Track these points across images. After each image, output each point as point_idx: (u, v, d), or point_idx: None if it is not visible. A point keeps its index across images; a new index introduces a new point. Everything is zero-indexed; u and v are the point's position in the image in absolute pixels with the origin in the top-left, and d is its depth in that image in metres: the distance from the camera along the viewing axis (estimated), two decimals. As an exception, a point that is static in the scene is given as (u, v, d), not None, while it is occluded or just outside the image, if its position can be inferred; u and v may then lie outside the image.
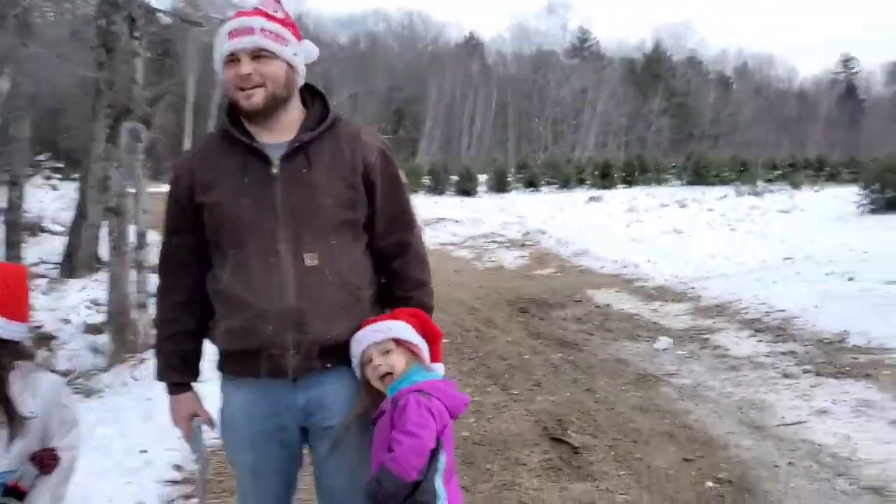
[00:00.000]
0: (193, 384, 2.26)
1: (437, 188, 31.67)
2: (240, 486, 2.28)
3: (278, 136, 2.08)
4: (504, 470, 4.00)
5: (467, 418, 4.69)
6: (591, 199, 25.57)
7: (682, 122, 71.11)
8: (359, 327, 2.10)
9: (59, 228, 16.22)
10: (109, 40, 8.43)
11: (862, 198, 18.26)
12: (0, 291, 2.03)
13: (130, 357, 7.39)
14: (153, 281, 9.52)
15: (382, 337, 2.06)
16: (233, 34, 2.03)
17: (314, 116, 2.14)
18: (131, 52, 8.54)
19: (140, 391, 5.18)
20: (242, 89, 2.02)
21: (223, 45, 2.04)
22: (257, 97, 2.02)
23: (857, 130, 72.25)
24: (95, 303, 10.91)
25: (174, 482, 3.81)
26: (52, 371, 6.46)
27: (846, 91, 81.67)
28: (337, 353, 2.10)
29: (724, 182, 31.92)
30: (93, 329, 9.55)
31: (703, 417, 4.78)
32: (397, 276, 2.23)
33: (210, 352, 2.22)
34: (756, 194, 24.45)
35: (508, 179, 33.13)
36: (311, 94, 2.18)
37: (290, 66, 2.07)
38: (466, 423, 4.64)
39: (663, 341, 6.89)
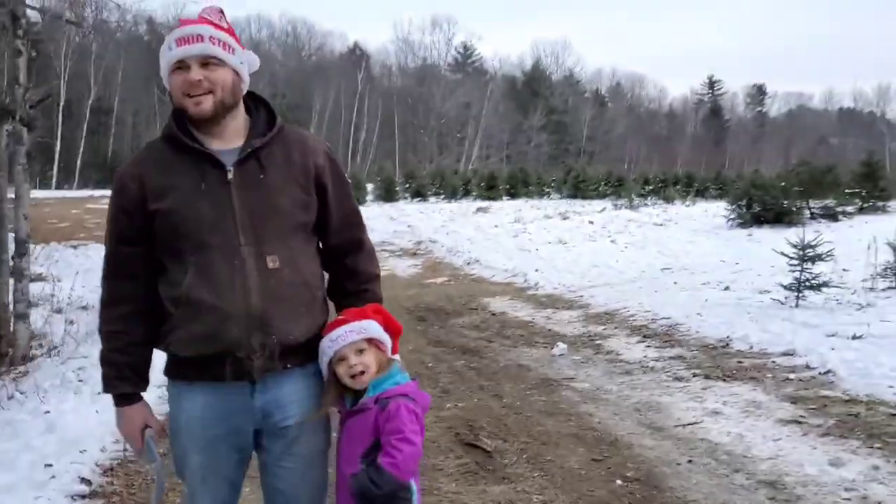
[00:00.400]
0: (143, 395, 2.23)
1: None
2: (187, 487, 2.26)
3: (227, 142, 2.11)
4: (422, 476, 4.01)
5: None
6: (479, 209, 25.99)
7: (560, 138, 73.60)
8: (318, 327, 2.16)
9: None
10: (-9, 40, 7.95)
11: (730, 212, 19.45)
12: None
13: (7, 370, 6.97)
14: (33, 290, 8.92)
15: (358, 337, 2.11)
16: (181, 41, 2.04)
17: (261, 123, 2.17)
18: (15, 51, 8.08)
19: (34, 404, 4.86)
20: (191, 96, 2.03)
21: (171, 52, 2.05)
22: (206, 104, 2.04)
23: (722, 149, 76.98)
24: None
25: (82, 496, 3.62)
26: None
27: (711, 111, 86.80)
28: (296, 354, 2.14)
29: (601, 196, 33.19)
30: (-41, 342, 8.89)
31: (606, 420, 4.98)
32: (350, 271, 2.29)
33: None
34: (632, 208, 25.58)
35: (396, 189, 33.20)
36: (253, 102, 2.21)
37: (236, 73, 2.10)
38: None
39: (560, 347, 7.11)
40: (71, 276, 9.37)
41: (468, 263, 14.36)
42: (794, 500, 3.63)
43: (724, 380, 5.75)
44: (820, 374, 5.61)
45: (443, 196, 33.78)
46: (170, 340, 2.13)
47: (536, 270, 12.96)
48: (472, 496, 3.76)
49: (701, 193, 36.93)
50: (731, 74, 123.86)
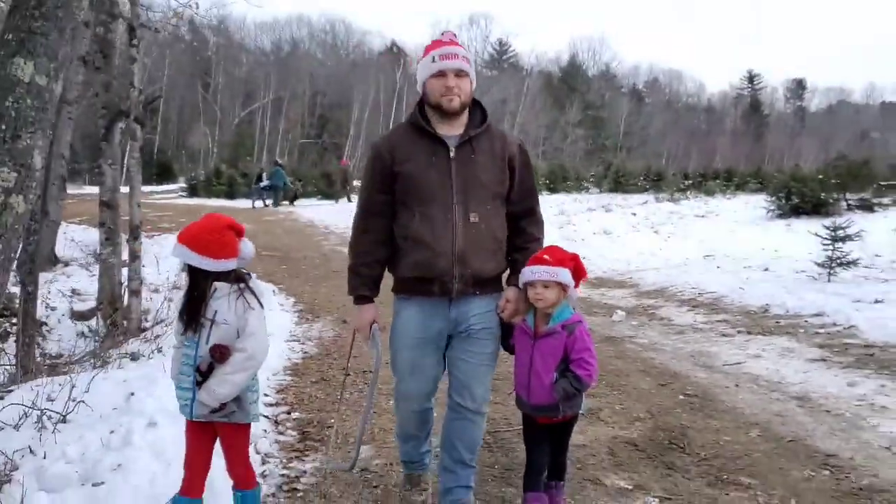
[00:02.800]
0: (374, 300, 3.17)
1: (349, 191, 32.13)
2: (399, 372, 3.16)
3: (452, 130, 3.02)
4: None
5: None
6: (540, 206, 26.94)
7: (597, 133, 73.80)
8: (501, 268, 3.09)
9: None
10: (106, 46, 9.18)
11: (770, 204, 20.26)
12: (207, 238, 2.68)
13: (123, 339, 7.95)
14: (152, 271, 10.00)
15: (548, 278, 2.96)
16: (443, 57, 2.95)
17: (477, 119, 3.08)
18: (130, 59, 9.35)
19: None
20: (446, 96, 2.95)
21: (435, 63, 2.96)
22: (455, 102, 2.96)
23: (762, 143, 76.55)
24: (76, 293, 11.47)
25: (272, 405, 4.83)
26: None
27: (751, 106, 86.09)
28: (484, 283, 3.04)
29: (640, 190, 33.92)
30: (79, 315, 10.15)
31: (666, 362, 6.10)
32: (521, 232, 3.15)
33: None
34: (674, 201, 26.39)
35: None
36: (473, 103, 3.10)
37: (471, 83, 3.03)
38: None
39: (619, 314, 8.22)
40: (152, 262, 10.54)
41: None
42: (818, 407, 4.77)
43: (763, 334, 6.85)
44: (844, 328, 6.71)
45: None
46: (398, 265, 3.07)
47: (584, 258, 13.79)
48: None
49: (740, 187, 37.49)
50: (770, 69, 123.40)
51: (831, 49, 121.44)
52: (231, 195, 32.00)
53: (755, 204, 22.06)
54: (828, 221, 11.59)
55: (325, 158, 57.82)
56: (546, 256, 3.00)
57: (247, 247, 2.78)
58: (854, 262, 9.17)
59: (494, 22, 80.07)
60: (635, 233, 18.61)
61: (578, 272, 3.05)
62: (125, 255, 9.24)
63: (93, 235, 13.62)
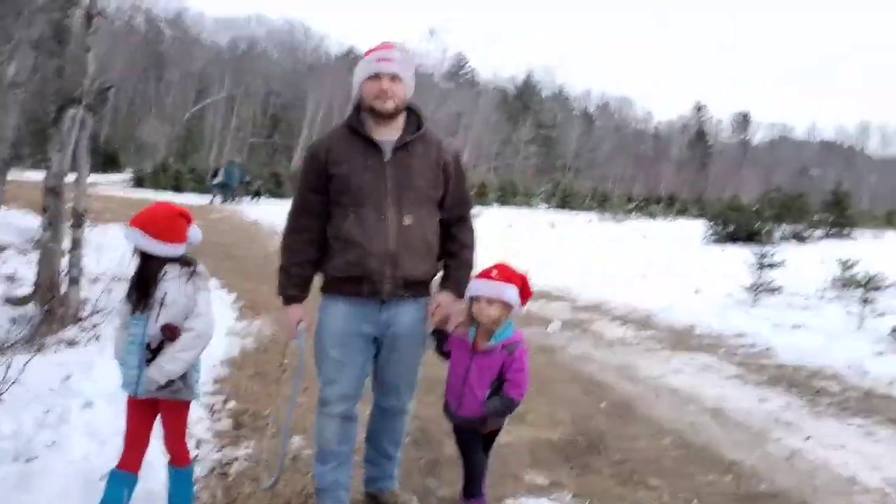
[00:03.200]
0: (303, 300, 3.18)
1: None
2: (324, 374, 3.14)
3: (389, 134, 3.05)
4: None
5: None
6: (471, 215, 27.34)
7: (548, 153, 74.86)
8: (433, 271, 3.15)
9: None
10: (62, 33, 9.14)
11: (707, 229, 20.98)
12: (161, 224, 2.84)
13: (60, 328, 7.89)
14: (93, 261, 9.88)
15: (495, 295, 3.04)
16: (379, 60, 3.00)
17: (413, 124, 3.12)
18: (85, 47, 9.31)
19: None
20: (379, 98, 2.98)
21: (370, 66, 3.00)
22: (389, 104, 2.99)
23: (705, 172, 78.63)
24: (11, 278, 11.26)
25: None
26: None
27: (696, 136, 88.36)
28: (414, 286, 3.07)
29: (586, 209, 34.73)
30: (14, 301, 9.99)
31: (594, 372, 6.37)
32: (453, 239, 3.21)
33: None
34: (617, 221, 27.10)
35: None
36: (408, 108, 3.13)
37: (407, 88, 3.07)
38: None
39: (554, 324, 8.49)
40: (93, 251, 10.44)
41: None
42: (729, 419, 5.08)
43: (686, 351, 7.19)
44: (762, 350, 7.09)
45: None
46: (328, 265, 3.08)
47: (527, 271, 14.26)
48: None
49: (682, 213, 38.68)
50: (717, 101, 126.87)
51: (776, 86, 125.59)
52: (178, 189, 31.66)
53: (693, 229, 22.81)
54: (760, 249, 12.13)
55: (275, 159, 57.45)
56: (494, 272, 3.06)
57: (195, 232, 2.93)
58: (778, 289, 9.62)
59: (453, 36, 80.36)
60: (577, 249, 19.06)
61: (524, 291, 3.10)
62: (66, 243, 9.15)
63: (30, 221, 13.37)
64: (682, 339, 7.76)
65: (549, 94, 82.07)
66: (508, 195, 38.28)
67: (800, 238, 21.47)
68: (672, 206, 40.37)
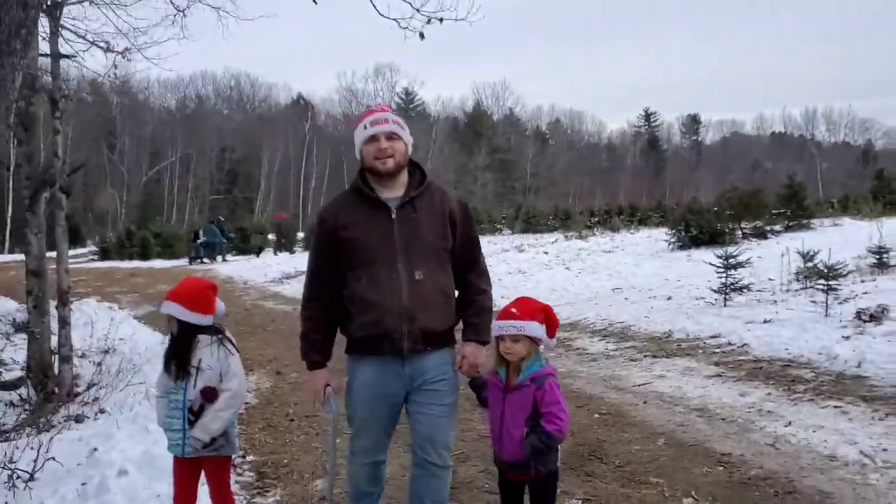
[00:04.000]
0: (328, 364, 3.22)
1: (284, 245, 32.42)
2: (353, 429, 3.19)
3: (394, 192, 3.11)
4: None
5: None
6: (483, 258, 27.68)
7: (506, 176, 75.71)
8: (451, 323, 3.12)
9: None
10: (28, 120, 9.36)
11: (670, 237, 21.52)
12: (195, 296, 3.24)
13: (58, 407, 8.03)
14: (75, 336, 9.96)
15: (516, 332, 3.01)
16: (375, 123, 3.08)
17: (416, 179, 3.18)
18: (54, 130, 9.54)
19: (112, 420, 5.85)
20: (379, 158, 3.06)
21: (367, 130, 3.09)
22: (389, 163, 3.06)
23: (661, 178, 79.95)
24: (1, 363, 11.30)
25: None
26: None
27: (649, 143, 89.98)
28: (435, 339, 3.07)
29: (551, 229, 35.21)
30: (6, 385, 10.05)
31: (582, 386, 6.71)
32: (468, 285, 3.21)
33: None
34: (582, 238, 27.58)
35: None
36: (412, 165, 3.21)
37: (405, 145, 3.13)
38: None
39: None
40: (75, 327, 10.54)
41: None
42: (714, 416, 5.44)
43: (667, 357, 7.57)
44: (738, 347, 7.48)
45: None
46: (348, 327, 3.12)
47: (502, 297, 14.60)
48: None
49: (643, 222, 39.36)
50: (666, 106, 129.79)
51: (723, 84, 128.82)
52: (145, 256, 31.56)
53: (657, 237, 23.35)
54: (724, 250, 12.60)
55: (237, 213, 57.40)
56: (514, 310, 3.04)
57: (220, 304, 3.24)
58: (746, 287, 10.07)
59: (400, 72, 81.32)
60: (548, 270, 19.51)
61: (551, 322, 3.09)
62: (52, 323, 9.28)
63: (7, 305, 13.40)
64: (662, 346, 8.14)
65: (500, 116, 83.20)
66: (473, 224, 38.66)
67: (761, 234, 22.08)
68: (634, 215, 41.14)
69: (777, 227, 23.12)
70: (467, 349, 3.13)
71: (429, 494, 3.19)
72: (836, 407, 5.33)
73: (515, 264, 20.56)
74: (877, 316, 7.23)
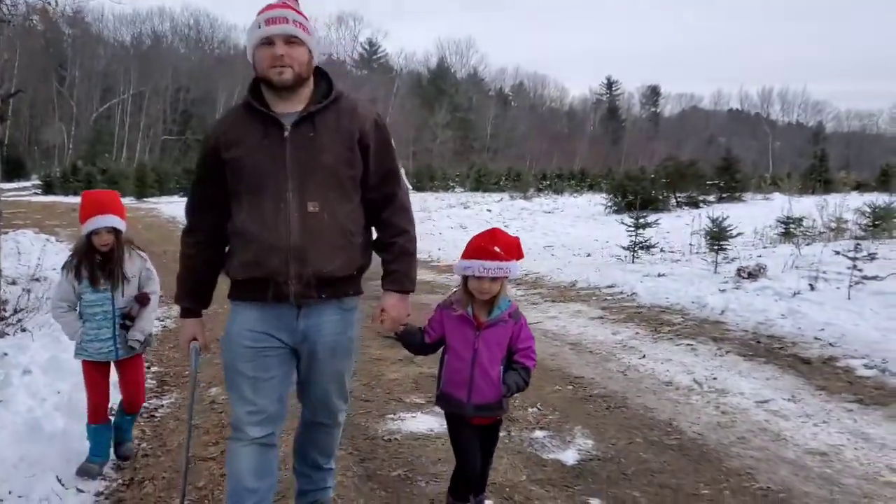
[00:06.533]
0: (202, 312, 2.80)
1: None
2: (235, 394, 2.62)
3: (291, 106, 2.53)
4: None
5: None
6: (405, 190, 28.16)
7: (465, 135, 75.88)
8: (356, 267, 2.60)
9: None
10: (-43, 41, 9.44)
11: (607, 201, 22.27)
12: (119, 206, 3.50)
13: None
14: (7, 265, 10.24)
15: (502, 275, 2.71)
16: (269, 21, 2.46)
17: (321, 91, 2.60)
18: (-11, 53, 9.64)
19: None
20: (275, 67, 2.46)
21: (260, 30, 2.48)
22: (287, 74, 2.46)
23: (619, 147, 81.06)
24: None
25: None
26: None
27: (609, 111, 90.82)
28: (331, 286, 2.55)
29: (501, 189, 35.85)
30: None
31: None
32: (384, 224, 2.67)
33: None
34: (526, 198, 28.27)
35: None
36: (319, 74, 2.63)
37: (310, 52, 2.53)
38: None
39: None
40: (5, 256, 10.79)
41: (377, 244, 16.47)
42: (584, 349, 6.06)
43: (564, 302, 8.19)
44: (627, 295, 8.14)
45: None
46: (228, 267, 2.62)
47: (439, 249, 15.19)
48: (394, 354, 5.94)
49: (592, 187, 40.25)
50: (628, 76, 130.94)
51: (683, 56, 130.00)
52: (90, 192, 31.35)
53: (597, 202, 24.12)
54: (656, 217, 13.22)
55: (189, 156, 56.80)
56: (497, 249, 2.71)
57: None
58: (652, 247, 10.74)
59: (363, 22, 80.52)
60: (489, 227, 20.08)
61: (520, 256, 2.81)
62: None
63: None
64: (564, 293, 8.76)
65: (463, 75, 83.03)
66: (425, 180, 39.12)
67: (694, 204, 22.95)
68: (584, 181, 41.96)
69: (710, 198, 24.04)
70: (388, 301, 2.68)
71: (315, 445, 2.89)
72: (688, 345, 6.00)
73: (458, 220, 21.08)
74: (754, 273, 7.92)
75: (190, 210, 2.72)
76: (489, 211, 24.20)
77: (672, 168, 23.93)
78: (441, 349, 2.86)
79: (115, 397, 3.83)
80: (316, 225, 2.49)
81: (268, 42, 2.47)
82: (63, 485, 3.40)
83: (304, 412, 2.83)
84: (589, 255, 12.48)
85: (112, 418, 3.71)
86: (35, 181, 38.89)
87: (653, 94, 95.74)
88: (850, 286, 6.85)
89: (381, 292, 2.69)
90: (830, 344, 5.66)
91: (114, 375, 3.69)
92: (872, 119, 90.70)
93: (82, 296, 3.48)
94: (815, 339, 5.82)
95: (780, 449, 3.87)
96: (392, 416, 4.44)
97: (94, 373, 3.53)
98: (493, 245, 2.71)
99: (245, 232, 2.52)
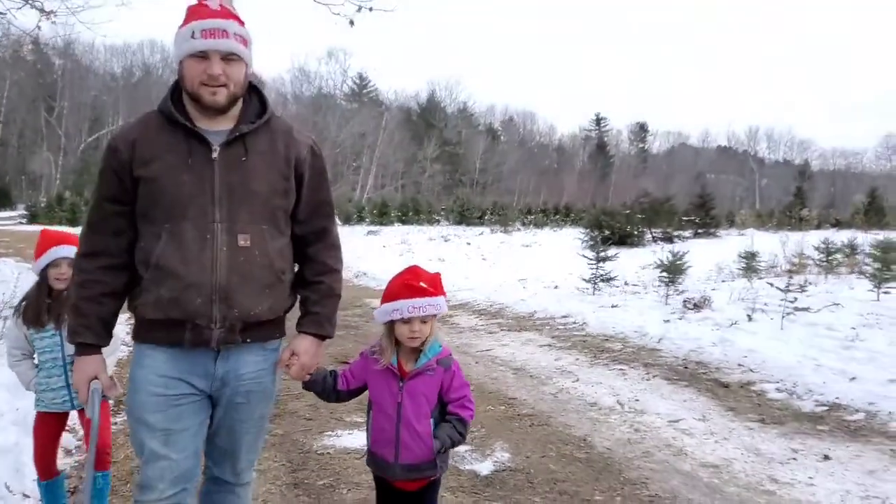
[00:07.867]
0: (103, 349, 2.32)
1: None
2: (143, 450, 2.26)
3: (218, 123, 2.22)
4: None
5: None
6: (370, 232, 28.67)
7: (454, 169, 76.51)
8: (282, 309, 2.35)
9: None
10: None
11: (584, 236, 22.74)
12: (72, 238, 3.41)
13: None
14: None
15: (435, 312, 2.43)
16: (206, 34, 2.14)
17: (252, 110, 2.31)
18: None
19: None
20: (208, 86, 2.15)
21: (195, 42, 2.15)
22: (220, 96, 2.16)
23: (607, 182, 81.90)
24: None
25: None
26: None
27: (597, 147, 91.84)
28: (255, 329, 2.28)
29: (486, 224, 36.39)
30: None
31: (435, 351, 7.61)
32: (311, 261, 2.40)
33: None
34: (506, 232, 28.78)
35: (293, 215, 35.35)
36: (248, 88, 2.31)
37: (246, 67, 2.24)
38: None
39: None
40: None
41: (356, 276, 16.79)
42: (525, 374, 6.42)
43: (518, 331, 8.56)
44: (578, 325, 8.52)
45: (338, 223, 36.09)
46: (137, 303, 2.24)
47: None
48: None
49: (576, 221, 40.82)
50: (616, 113, 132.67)
51: (670, 95, 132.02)
52: (74, 223, 31.69)
53: (576, 236, 24.61)
54: (632, 252, 13.65)
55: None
56: (423, 285, 2.46)
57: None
58: (612, 279, 11.14)
59: (353, 57, 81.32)
60: (467, 259, 20.51)
61: (443, 291, 2.58)
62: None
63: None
64: (521, 323, 9.13)
65: (453, 110, 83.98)
66: (410, 213, 39.62)
67: (668, 239, 23.48)
68: (568, 216, 42.56)
69: (686, 234, 24.59)
70: (302, 345, 2.40)
71: None
72: (620, 370, 6.38)
73: (437, 253, 21.48)
74: (699, 305, 8.33)
75: (91, 230, 2.30)
76: (468, 244, 24.66)
77: (647, 204, 24.51)
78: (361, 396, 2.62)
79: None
80: (245, 262, 2.21)
81: (202, 56, 2.17)
82: (10, 491, 3.71)
83: (207, 467, 2.48)
84: (556, 286, 12.86)
85: (62, 471, 3.46)
86: (21, 210, 39.18)
87: (641, 130, 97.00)
88: (783, 317, 7.26)
89: (295, 334, 2.42)
90: (751, 370, 6.06)
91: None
92: (857, 157, 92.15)
93: (33, 342, 3.25)
94: (739, 365, 6.23)
95: (678, 462, 4.23)
96: (330, 433, 4.77)
97: (45, 425, 3.28)
98: (417, 281, 2.47)
99: (161, 265, 2.18)
